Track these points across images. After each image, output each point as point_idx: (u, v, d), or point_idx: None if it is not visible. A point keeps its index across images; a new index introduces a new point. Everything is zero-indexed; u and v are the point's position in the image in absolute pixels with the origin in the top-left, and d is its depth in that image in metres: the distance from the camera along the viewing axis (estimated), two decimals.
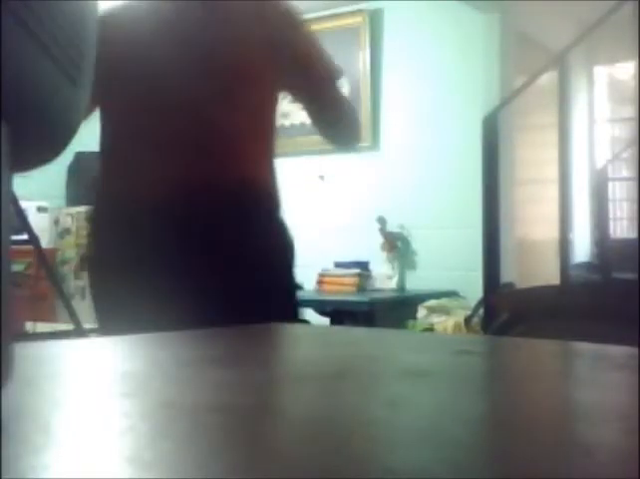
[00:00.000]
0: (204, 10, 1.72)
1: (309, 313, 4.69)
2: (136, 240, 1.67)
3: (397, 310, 4.38)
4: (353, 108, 2.02)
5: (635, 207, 5.00)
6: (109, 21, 1.72)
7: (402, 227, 4.89)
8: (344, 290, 4.66)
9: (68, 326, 3.14)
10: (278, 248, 1.73)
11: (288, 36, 1.76)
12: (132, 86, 1.73)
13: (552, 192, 3.50)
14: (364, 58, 5.09)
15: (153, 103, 1.70)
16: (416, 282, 4.84)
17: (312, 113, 1.89)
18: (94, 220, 1.86)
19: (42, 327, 3.42)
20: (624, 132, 6.19)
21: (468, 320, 4.00)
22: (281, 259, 1.74)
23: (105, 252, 1.76)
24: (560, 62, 3.50)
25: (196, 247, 1.64)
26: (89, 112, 1.72)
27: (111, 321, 1.77)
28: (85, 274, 4.38)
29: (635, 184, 4.71)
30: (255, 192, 1.70)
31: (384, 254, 4.89)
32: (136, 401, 0.49)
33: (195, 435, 0.40)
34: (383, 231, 4.86)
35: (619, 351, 0.71)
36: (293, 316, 1.78)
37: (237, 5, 1.76)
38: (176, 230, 1.64)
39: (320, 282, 4.82)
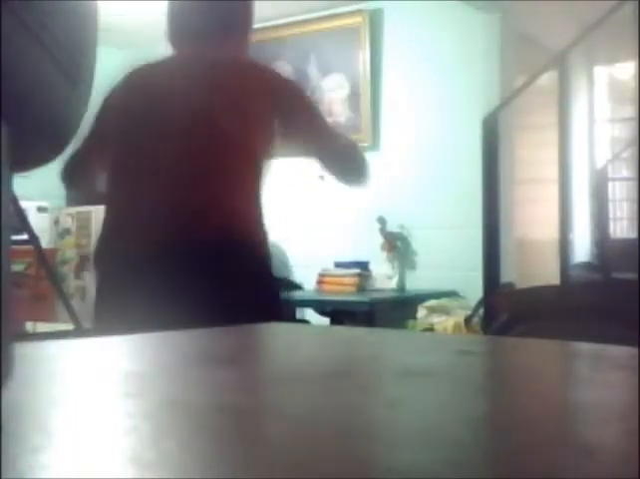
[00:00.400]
0: (209, 73, 1.93)
1: (309, 313, 4.69)
2: (136, 262, 1.80)
3: (397, 310, 4.37)
4: (357, 149, 2.18)
5: (635, 207, 5.00)
6: (135, 75, 2.01)
7: (402, 227, 4.89)
8: (344, 290, 4.66)
9: (68, 326, 3.14)
10: (263, 274, 1.87)
11: (287, 96, 1.95)
12: (140, 133, 1.90)
13: (552, 192, 3.50)
14: (364, 58, 5.09)
15: (155, 146, 1.87)
16: (416, 282, 4.84)
17: (317, 160, 2.06)
18: (98, 250, 2.00)
19: (42, 327, 3.42)
20: (624, 132, 6.19)
21: (468, 320, 4.00)
22: (266, 284, 1.88)
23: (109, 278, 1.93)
24: (560, 62, 3.49)
25: (187, 277, 1.74)
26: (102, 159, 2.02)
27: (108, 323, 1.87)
28: (85, 275, 4.41)
29: (635, 184, 4.71)
30: (243, 224, 1.83)
31: (384, 254, 4.88)
32: (137, 401, 0.49)
33: (198, 435, 0.40)
34: (383, 231, 4.86)
35: (619, 351, 0.71)
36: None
37: (238, 64, 1.99)
38: (169, 255, 1.75)
39: (320, 282, 4.82)
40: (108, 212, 2.00)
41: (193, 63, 1.98)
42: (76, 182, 2.26)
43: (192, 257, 1.75)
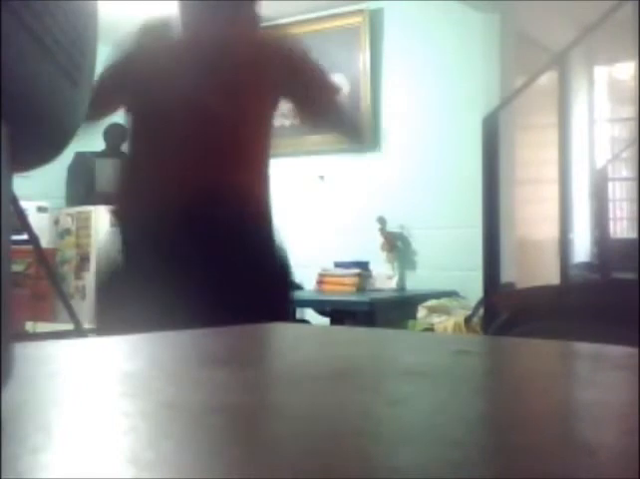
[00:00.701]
0: (219, 38, 2.00)
1: (309, 313, 4.69)
2: (149, 234, 1.90)
3: (397, 310, 4.38)
4: (348, 110, 2.37)
5: (635, 207, 5.00)
6: (145, 32, 2.06)
7: (402, 227, 4.89)
8: (344, 290, 4.66)
9: (68, 326, 3.14)
10: (271, 256, 1.96)
11: (287, 56, 2.05)
12: (155, 96, 1.97)
13: (552, 192, 3.50)
14: (364, 58, 5.09)
15: (170, 114, 1.94)
16: (416, 282, 4.84)
17: (315, 118, 2.20)
18: (117, 212, 2.07)
19: (42, 327, 3.42)
20: (624, 132, 6.19)
21: (468, 320, 4.00)
22: (275, 268, 1.98)
23: (126, 245, 1.96)
24: (560, 62, 3.49)
25: (198, 247, 1.83)
26: (112, 109, 2.08)
27: (111, 314, 1.99)
28: (84, 275, 4.46)
29: (635, 184, 4.71)
30: (251, 200, 1.94)
31: (384, 254, 4.89)
32: (136, 401, 0.49)
33: (196, 435, 0.40)
34: (383, 231, 4.86)
35: (619, 351, 0.71)
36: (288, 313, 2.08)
37: (245, 35, 2.04)
38: (183, 228, 1.85)
39: (320, 282, 4.82)
40: (127, 169, 2.08)
41: (206, 35, 2.02)
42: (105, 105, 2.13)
43: (205, 228, 1.85)
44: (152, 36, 2.05)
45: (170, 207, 1.85)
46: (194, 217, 1.84)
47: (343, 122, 2.25)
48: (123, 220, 2.00)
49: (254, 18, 2.08)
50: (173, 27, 2.05)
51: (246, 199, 1.92)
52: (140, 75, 1.99)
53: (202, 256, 1.83)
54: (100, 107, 2.02)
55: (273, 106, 2.02)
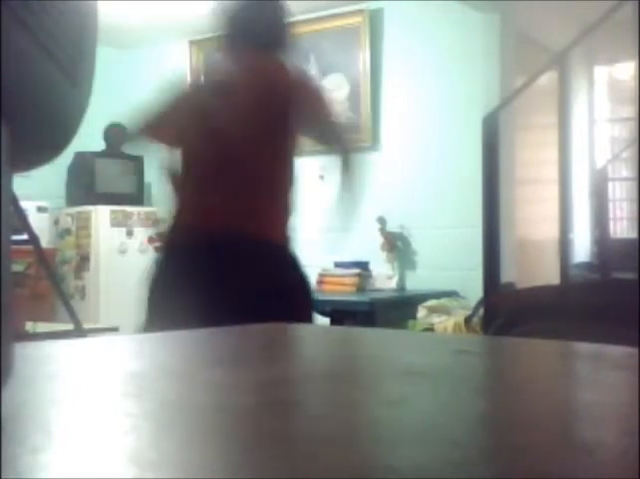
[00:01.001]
0: (252, 82, 2.33)
1: None
2: (191, 254, 2.19)
3: (397, 310, 4.37)
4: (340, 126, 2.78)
5: (635, 207, 5.00)
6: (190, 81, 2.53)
7: (402, 227, 4.89)
8: (344, 290, 4.66)
9: (68, 326, 3.14)
10: (294, 275, 2.29)
11: (305, 96, 2.35)
12: (201, 134, 2.28)
13: (552, 192, 3.50)
14: (364, 58, 5.09)
15: (209, 151, 2.27)
16: (416, 282, 4.84)
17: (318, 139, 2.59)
18: (168, 237, 2.37)
19: (42, 327, 3.42)
20: (624, 132, 6.19)
21: (468, 320, 4.00)
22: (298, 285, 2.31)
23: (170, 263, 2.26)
24: (560, 62, 3.49)
25: (230, 271, 2.14)
26: (173, 143, 2.39)
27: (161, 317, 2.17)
28: (84, 275, 4.52)
29: (635, 184, 4.71)
30: (274, 225, 2.27)
31: (384, 254, 4.88)
32: (137, 401, 0.49)
33: (198, 435, 0.40)
34: (383, 231, 4.86)
35: (619, 351, 0.71)
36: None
37: (273, 80, 2.36)
38: (217, 253, 2.16)
39: (320, 282, 4.82)
40: (179, 195, 2.34)
41: (248, 75, 2.37)
42: (160, 134, 2.48)
43: (237, 248, 2.17)
44: (194, 83, 2.45)
45: (211, 230, 2.17)
46: (232, 239, 2.17)
47: (338, 138, 2.60)
48: (169, 242, 2.33)
49: (281, 64, 2.37)
50: (209, 75, 2.46)
51: (274, 222, 2.26)
52: (185, 115, 2.33)
53: (237, 273, 2.14)
54: (157, 137, 2.41)
55: (295, 139, 2.36)
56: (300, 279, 2.30)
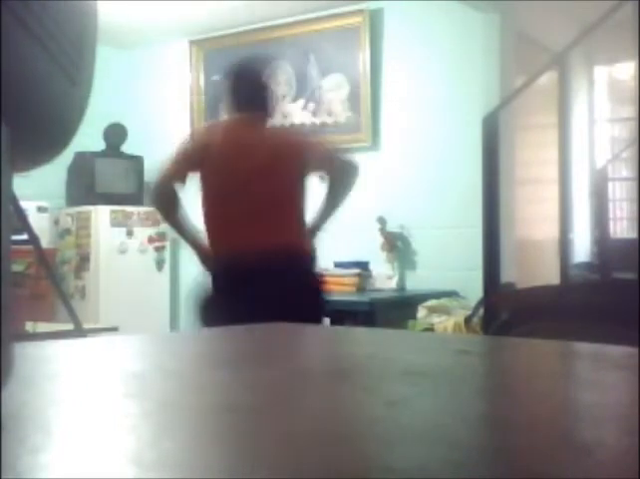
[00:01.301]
0: (261, 135, 2.91)
1: None
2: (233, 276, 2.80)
3: (397, 310, 4.37)
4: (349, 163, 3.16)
5: (635, 207, 5.00)
6: (211, 132, 3.02)
7: (402, 227, 4.89)
8: (344, 290, 4.66)
9: (68, 326, 3.14)
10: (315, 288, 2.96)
11: (310, 149, 2.99)
12: (221, 176, 2.85)
13: (552, 192, 3.50)
14: (364, 58, 5.09)
15: (231, 190, 2.83)
16: (416, 282, 4.84)
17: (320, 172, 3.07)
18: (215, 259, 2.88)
19: (42, 327, 3.42)
20: (624, 132, 6.19)
21: (468, 320, 4.00)
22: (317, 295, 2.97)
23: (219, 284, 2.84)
24: (560, 62, 3.49)
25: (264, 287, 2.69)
26: (183, 179, 2.86)
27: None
28: (84, 275, 4.64)
29: (635, 184, 4.71)
30: (298, 250, 2.93)
31: (384, 254, 4.88)
32: (137, 401, 0.49)
33: (198, 435, 0.40)
34: (383, 231, 4.86)
35: (619, 351, 0.71)
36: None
37: (279, 136, 3.09)
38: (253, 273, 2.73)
39: None
40: (209, 230, 2.85)
41: (252, 129, 2.92)
42: (173, 209, 2.93)
43: (271, 266, 2.73)
44: (214, 132, 2.95)
45: (246, 253, 2.72)
46: (265, 260, 2.70)
47: (337, 168, 3.07)
48: (215, 263, 2.83)
49: (286, 129, 3.09)
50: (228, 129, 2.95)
51: (296, 242, 2.89)
52: (209, 160, 2.82)
53: (272, 286, 2.68)
54: (179, 178, 2.84)
55: (305, 179, 2.95)
56: (320, 281, 3.00)
